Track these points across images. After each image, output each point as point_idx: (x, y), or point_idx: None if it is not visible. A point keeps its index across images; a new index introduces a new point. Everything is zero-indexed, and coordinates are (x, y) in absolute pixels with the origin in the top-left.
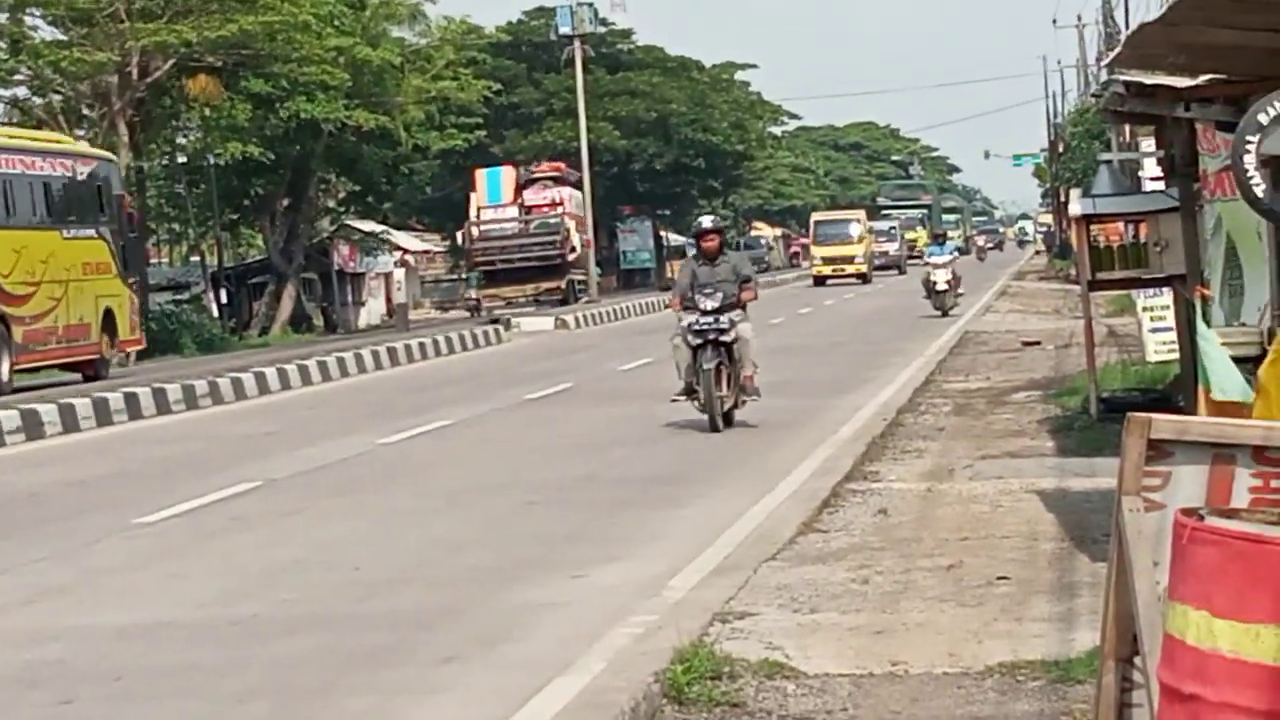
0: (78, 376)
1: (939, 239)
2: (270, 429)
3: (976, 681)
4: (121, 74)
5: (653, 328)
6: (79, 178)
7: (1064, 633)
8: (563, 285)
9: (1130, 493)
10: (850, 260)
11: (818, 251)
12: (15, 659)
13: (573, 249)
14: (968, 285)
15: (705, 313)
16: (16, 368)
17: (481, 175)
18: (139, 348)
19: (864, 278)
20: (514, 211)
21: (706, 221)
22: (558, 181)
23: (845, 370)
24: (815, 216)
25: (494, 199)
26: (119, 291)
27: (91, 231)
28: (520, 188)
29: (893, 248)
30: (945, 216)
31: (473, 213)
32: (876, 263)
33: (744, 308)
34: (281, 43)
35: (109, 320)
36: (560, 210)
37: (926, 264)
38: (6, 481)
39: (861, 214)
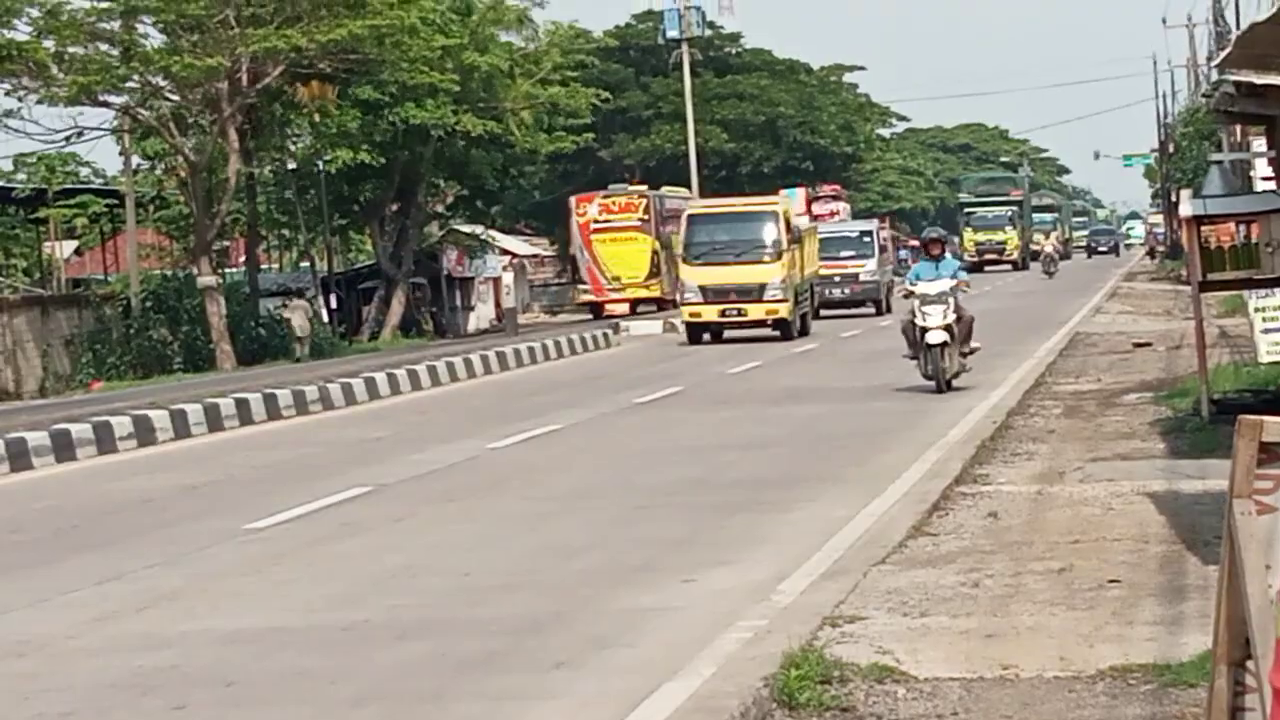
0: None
1: (930, 248)
2: (380, 434)
3: (1087, 685)
4: (231, 80)
5: (761, 330)
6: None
7: (1175, 636)
8: None
9: (1242, 496)
10: (757, 294)
11: (692, 276)
12: (128, 665)
13: None
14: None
15: None
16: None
17: (783, 194)
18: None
19: (785, 327)
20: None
21: None
22: (835, 198)
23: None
24: (691, 209)
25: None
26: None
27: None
28: (810, 203)
29: (866, 268)
30: (1038, 216)
31: None
32: (833, 294)
33: None
34: (390, 46)
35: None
36: (838, 218)
37: (908, 294)
38: (120, 487)
39: (785, 201)
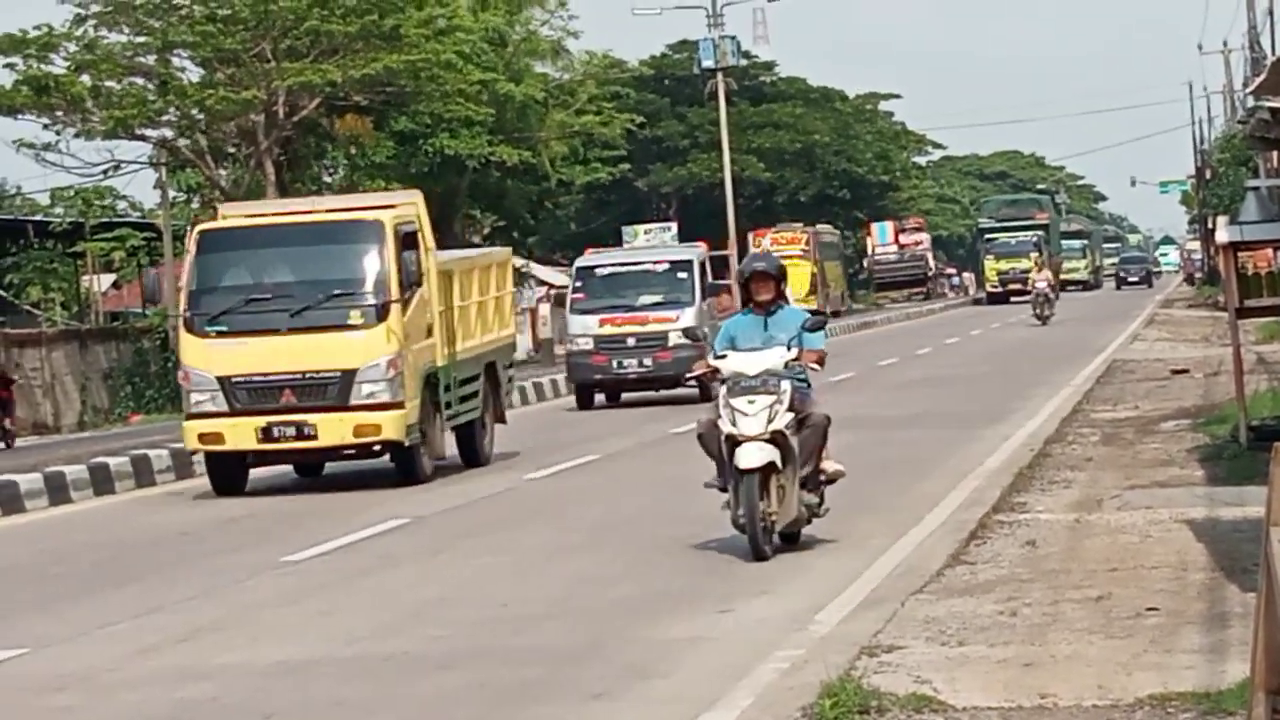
0: None
1: (755, 288)
2: None
3: (1126, 714)
4: (268, 113)
5: None
6: None
7: (1214, 664)
8: (925, 290)
9: (1278, 523)
10: (336, 393)
11: (204, 361)
12: (168, 696)
13: (930, 268)
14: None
15: None
16: None
17: (875, 226)
18: None
19: (404, 458)
20: (894, 248)
21: None
22: (919, 229)
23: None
24: (219, 219)
25: (883, 240)
26: None
27: None
28: (898, 233)
29: (680, 323)
30: (1067, 242)
31: (869, 249)
32: (625, 369)
33: None
34: (426, 80)
35: None
36: (922, 246)
37: (711, 373)
38: (158, 520)
39: (409, 204)
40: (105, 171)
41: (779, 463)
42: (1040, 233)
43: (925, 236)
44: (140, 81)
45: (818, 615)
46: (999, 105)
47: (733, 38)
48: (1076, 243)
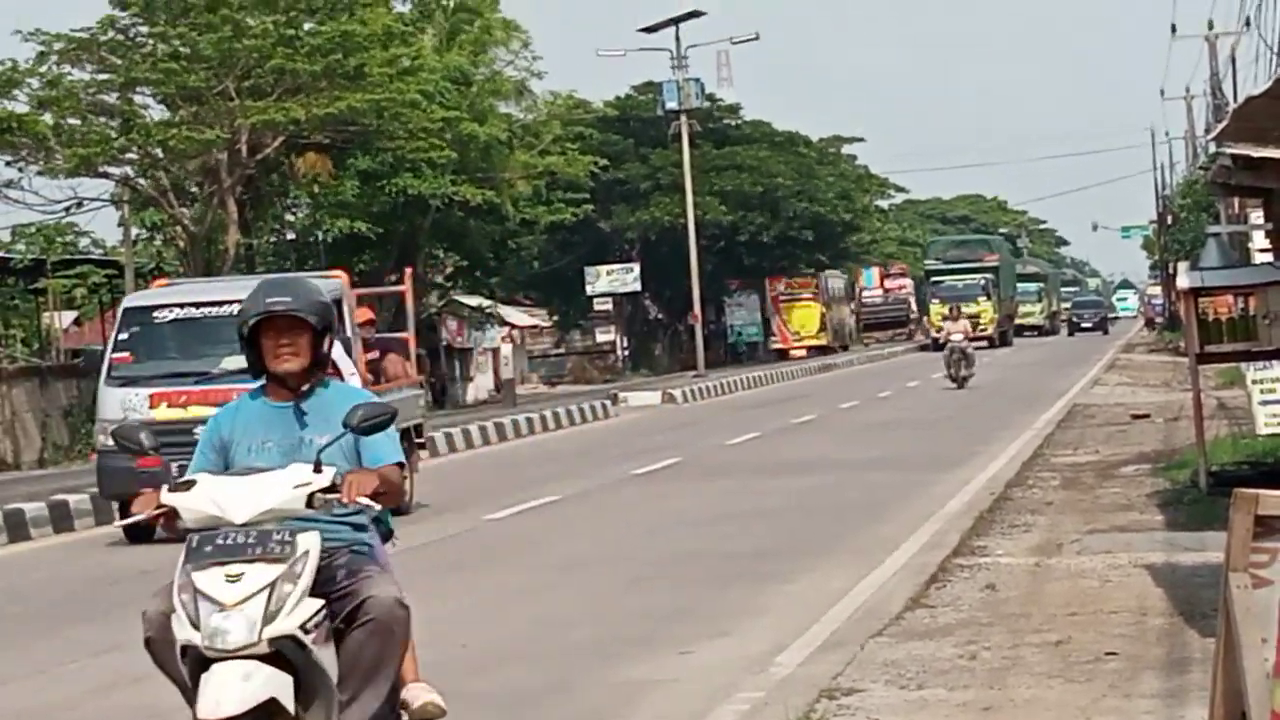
0: None
1: (262, 346)
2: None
3: None
4: (231, 152)
5: (761, 401)
6: None
7: (1173, 709)
8: (908, 332)
9: (1238, 569)
10: None
11: None
12: None
13: (913, 311)
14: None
15: None
16: None
17: (861, 271)
18: None
19: None
20: (880, 291)
21: None
22: (902, 274)
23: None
24: None
25: (869, 284)
26: None
27: None
28: (883, 277)
29: None
30: (1022, 285)
31: (856, 292)
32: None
33: None
34: (389, 119)
35: None
36: (905, 290)
37: (162, 517)
38: (117, 558)
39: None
40: (68, 209)
41: (288, 703)
42: (989, 275)
43: (908, 281)
44: (103, 119)
45: (778, 657)
46: (962, 149)
47: (697, 80)
48: (1033, 286)
